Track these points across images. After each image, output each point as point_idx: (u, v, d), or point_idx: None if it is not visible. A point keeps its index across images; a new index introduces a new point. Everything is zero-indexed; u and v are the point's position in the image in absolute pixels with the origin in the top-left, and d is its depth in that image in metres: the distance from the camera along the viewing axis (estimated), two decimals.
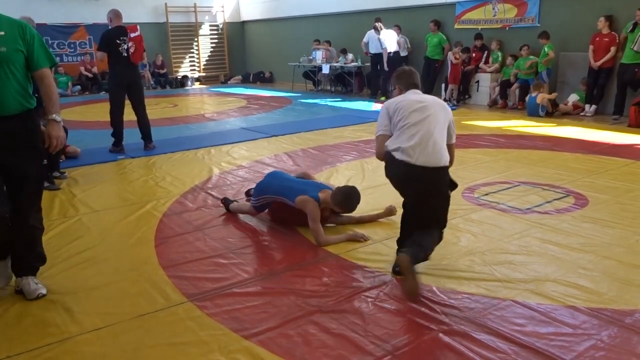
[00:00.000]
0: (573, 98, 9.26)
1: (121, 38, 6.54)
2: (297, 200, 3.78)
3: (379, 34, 11.25)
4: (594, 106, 8.93)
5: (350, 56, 13.06)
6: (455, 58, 10.51)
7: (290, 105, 11.43)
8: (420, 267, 3.15)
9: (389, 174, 3.24)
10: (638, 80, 8.20)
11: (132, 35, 6.62)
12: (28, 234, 3.01)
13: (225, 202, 4.49)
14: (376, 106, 10.78)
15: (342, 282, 3.12)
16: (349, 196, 3.78)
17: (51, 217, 4.35)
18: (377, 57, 11.67)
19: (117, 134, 6.84)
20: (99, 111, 9.94)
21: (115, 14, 6.72)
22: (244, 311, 2.81)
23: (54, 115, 2.93)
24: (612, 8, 8.71)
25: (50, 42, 14.75)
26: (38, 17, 14.18)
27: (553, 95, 9.04)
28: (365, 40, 11.86)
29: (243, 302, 2.91)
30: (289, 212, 3.95)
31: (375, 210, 4.26)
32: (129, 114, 6.88)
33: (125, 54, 6.58)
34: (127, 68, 6.64)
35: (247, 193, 4.74)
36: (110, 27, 6.70)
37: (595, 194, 4.61)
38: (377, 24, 11.27)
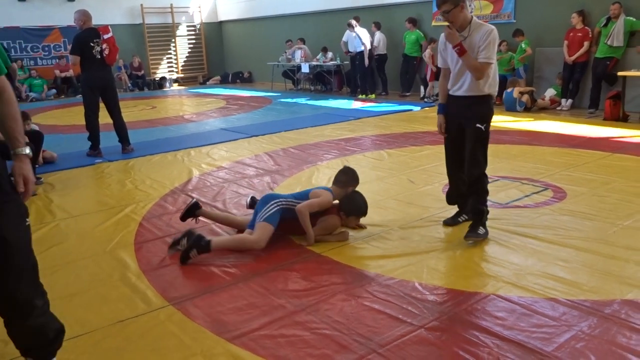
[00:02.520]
0: (550, 93, 9.38)
1: (94, 40, 6.43)
2: (311, 193, 3.76)
3: (353, 32, 11.28)
4: (570, 100, 9.07)
5: (329, 55, 13.07)
6: (431, 56, 10.57)
7: (270, 105, 11.40)
8: (401, 262, 3.17)
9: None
10: (610, 74, 8.35)
11: (105, 37, 6.51)
12: (34, 329, 2.12)
13: (193, 207, 3.99)
14: (356, 104, 10.81)
15: (324, 281, 3.11)
16: (362, 202, 3.85)
17: None
18: (356, 56, 11.70)
19: (94, 137, 6.74)
20: (75, 115, 9.79)
21: (85, 16, 6.54)
22: (226, 313, 2.79)
23: (23, 149, 2.02)
24: (585, 3, 8.84)
25: (23, 45, 14.50)
26: (10, 20, 14.03)
27: (529, 89, 9.14)
28: (344, 39, 11.89)
29: (225, 304, 2.89)
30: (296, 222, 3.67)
31: None
32: (105, 117, 6.79)
33: (99, 56, 6.47)
34: (100, 70, 6.54)
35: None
36: (80, 30, 6.56)
37: (573, 187, 4.67)
38: (351, 21, 11.31)
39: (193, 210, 3.95)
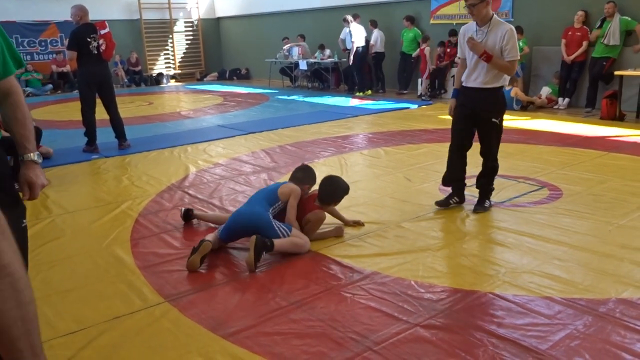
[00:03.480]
0: (545, 91, 9.39)
1: (91, 36, 6.41)
2: (280, 192, 3.60)
3: (349, 27, 11.27)
4: (567, 99, 9.08)
5: (327, 52, 13.05)
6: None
7: (267, 102, 11.38)
8: (397, 260, 3.19)
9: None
10: (606, 73, 8.37)
11: (102, 32, 6.48)
12: None
13: (187, 213, 4.08)
14: (353, 102, 10.80)
15: (320, 279, 3.12)
16: (334, 183, 3.76)
17: None
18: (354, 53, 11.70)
19: (90, 133, 6.73)
20: (72, 110, 9.75)
21: (82, 11, 6.51)
22: (222, 310, 2.79)
23: (32, 155, 1.95)
24: (584, 3, 8.85)
25: (20, 40, 14.44)
26: (7, 15, 13.96)
27: (523, 95, 9.11)
28: (342, 36, 11.88)
29: (221, 301, 2.89)
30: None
31: (351, 206, 4.27)
32: (102, 113, 6.77)
33: (96, 52, 6.45)
34: (97, 66, 6.52)
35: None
36: (77, 25, 6.53)
37: (569, 186, 4.68)
38: (346, 16, 11.31)
39: (188, 217, 4.08)
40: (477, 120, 4.03)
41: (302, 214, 3.66)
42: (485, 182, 4.19)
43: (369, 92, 11.74)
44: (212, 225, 4.02)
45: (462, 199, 4.29)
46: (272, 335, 2.54)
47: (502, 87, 3.98)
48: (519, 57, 3.88)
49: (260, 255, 3.21)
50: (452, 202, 4.26)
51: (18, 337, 1.09)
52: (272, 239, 3.30)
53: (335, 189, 3.77)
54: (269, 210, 3.50)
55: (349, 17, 11.30)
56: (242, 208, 3.66)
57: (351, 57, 11.40)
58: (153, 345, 2.51)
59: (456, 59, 4.03)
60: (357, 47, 11.27)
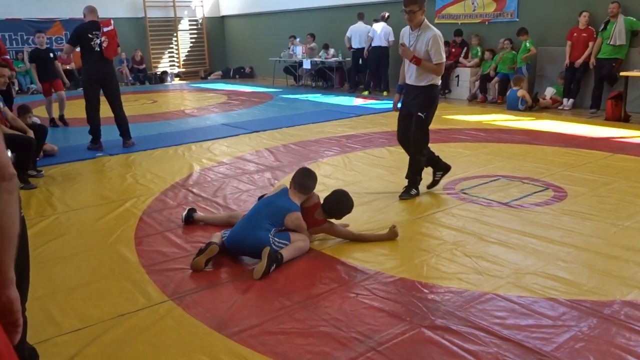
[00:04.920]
0: (550, 92, 9.37)
1: (93, 32, 6.42)
2: (288, 221, 3.46)
3: (377, 24, 11.15)
4: (571, 100, 9.05)
5: (331, 51, 13.04)
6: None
7: (271, 100, 11.38)
8: (401, 260, 3.19)
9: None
10: (615, 75, 8.33)
11: (105, 29, 6.49)
12: None
13: (189, 213, 4.08)
14: (357, 101, 10.79)
15: (324, 279, 3.11)
16: (341, 200, 3.66)
17: (28, 217, 4.27)
18: (359, 52, 11.66)
19: (95, 130, 6.74)
20: (77, 108, 9.76)
21: (89, 10, 6.61)
22: (225, 309, 2.79)
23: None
24: (589, 3, 8.82)
25: (25, 37, 14.46)
26: (12, 12, 13.99)
27: (529, 97, 9.08)
28: (348, 34, 11.82)
29: (225, 300, 2.89)
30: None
31: (355, 206, 4.26)
32: (107, 111, 6.78)
33: (98, 49, 6.46)
34: (100, 63, 6.51)
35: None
36: (82, 22, 6.59)
37: (574, 187, 4.67)
38: (384, 13, 11.20)
39: (190, 217, 4.05)
40: (410, 114, 4.47)
41: (308, 224, 3.56)
42: (410, 172, 4.58)
43: (385, 93, 11.56)
44: (216, 223, 4.02)
45: (442, 167, 4.71)
46: (276, 334, 2.54)
47: (433, 85, 4.35)
48: (444, 60, 4.25)
49: (270, 268, 3.16)
50: (437, 177, 4.72)
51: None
52: (281, 253, 3.27)
53: (343, 206, 3.67)
54: (271, 231, 3.38)
55: (385, 14, 11.21)
56: (245, 228, 3.43)
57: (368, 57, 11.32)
58: (157, 343, 2.52)
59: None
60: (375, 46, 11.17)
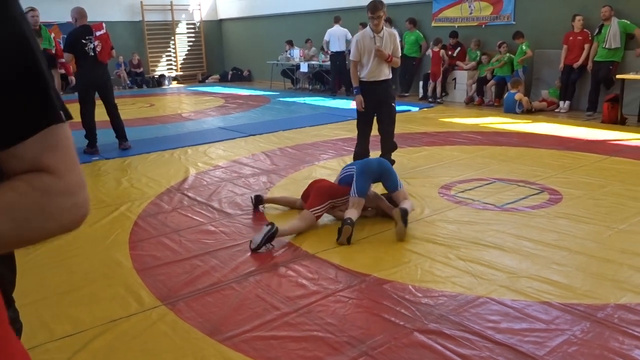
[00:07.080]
0: (544, 93, 9.40)
1: (86, 37, 6.41)
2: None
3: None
4: (567, 102, 9.06)
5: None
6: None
7: (269, 104, 11.38)
8: (395, 264, 3.18)
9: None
10: (611, 77, 8.34)
11: (98, 33, 6.49)
12: None
13: (256, 199, 4.48)
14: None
15: (317, 283, 3.11)
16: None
17: None
18: (337, 56, 11.72)
19: (90, 134, 6.73)
20: (73, 112, 9.74)
21: (79, 13, 6.53)
22: (218, 314, 2.78)
23: None
24: (586, 5, 8.83)
25: None
26: None
27: (527, 101, 9.09)
28: (326, 38, 11.92)
29: (218, 305, 2.88)
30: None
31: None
32: (102, 114, 6.77)
33: (92, 53, 6.45)
34: (94, 67, 6.51)
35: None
36: (75, 27, 6.55)
37: (569, 190, 4.67)
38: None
39: (258, 203, 4.46)
40: (381, 105, 5.14)
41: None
42: (389, 152, 5.33)
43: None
44: (212, 228, 4.02)
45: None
46: (268, 339, 2.53)
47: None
48: (400, 54, 5.26)
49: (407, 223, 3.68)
50: None
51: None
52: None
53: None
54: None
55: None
56: (368, 160, 4.40)
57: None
58: (149, 348, 2.51)
59: (351, 58, 5.19)
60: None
